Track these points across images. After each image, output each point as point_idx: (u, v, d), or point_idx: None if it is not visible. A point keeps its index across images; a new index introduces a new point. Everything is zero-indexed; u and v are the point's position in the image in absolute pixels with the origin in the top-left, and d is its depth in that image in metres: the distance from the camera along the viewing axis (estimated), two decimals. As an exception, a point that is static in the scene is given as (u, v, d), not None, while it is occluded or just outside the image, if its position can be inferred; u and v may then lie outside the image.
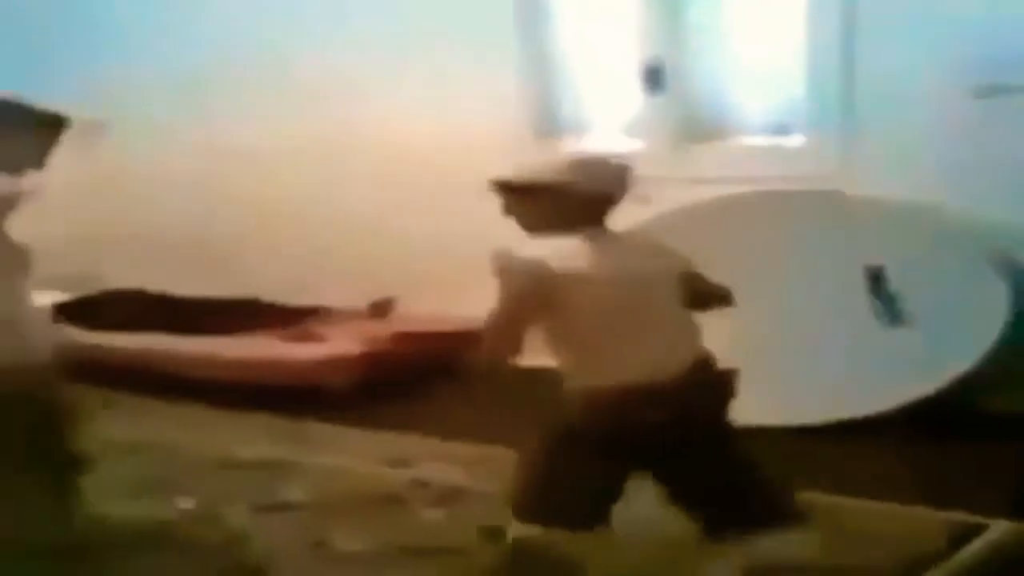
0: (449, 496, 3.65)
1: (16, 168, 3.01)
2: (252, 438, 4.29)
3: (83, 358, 4.98)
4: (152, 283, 5.61)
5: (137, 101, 5.79)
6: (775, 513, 2.72)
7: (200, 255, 5.76)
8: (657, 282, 2.77)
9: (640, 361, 2.64)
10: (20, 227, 5.52)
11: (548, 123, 5.34)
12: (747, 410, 2.73)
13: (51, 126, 3.05)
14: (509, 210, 2.93)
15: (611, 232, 2.81)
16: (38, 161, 3.03)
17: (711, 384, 2.72)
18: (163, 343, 5.06)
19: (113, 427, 4.23)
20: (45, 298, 5.50)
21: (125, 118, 5.98)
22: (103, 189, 5.93)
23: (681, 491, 2.72)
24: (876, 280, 4.38)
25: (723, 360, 2.73)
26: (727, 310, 2.92)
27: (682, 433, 2.65)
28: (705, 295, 2.88)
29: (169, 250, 5.86)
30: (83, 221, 5.75)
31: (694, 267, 2.88)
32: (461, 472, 3.85)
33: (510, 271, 2.70)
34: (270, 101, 5.65)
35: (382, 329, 5.03)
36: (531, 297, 2.66)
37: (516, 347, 2.70)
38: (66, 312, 5.39)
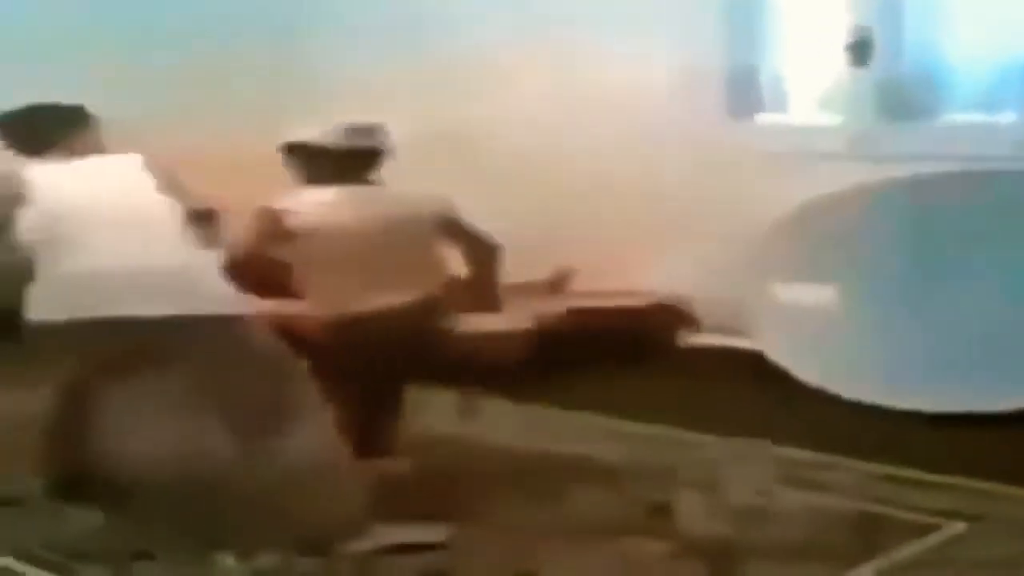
0: (613, 473, 3.63)
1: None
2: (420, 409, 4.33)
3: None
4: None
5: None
6: None
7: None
8: (404, 227, 3.55)
9: (377, 292, 3.38)
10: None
11: (745, 99, 5.26)
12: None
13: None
14: (287, 165, 3.64)
15: (374, 186, 3.62)
16: None
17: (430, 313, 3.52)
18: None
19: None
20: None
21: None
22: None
23: None
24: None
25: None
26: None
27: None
28: (465, 237, 3.68)
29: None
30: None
31: (453, 212, 3.68)
32: (626, 450, 3.83)
33: (254, 215, 3.50)
34: (457, 74, 5.71)
35: (556, 304, 5.01)
36: (265, 235, 3.48)
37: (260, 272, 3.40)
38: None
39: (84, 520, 3.20)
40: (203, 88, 5.76)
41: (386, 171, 4.05)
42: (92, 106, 3.70)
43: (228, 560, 2.92)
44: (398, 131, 5.62)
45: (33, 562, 3.01)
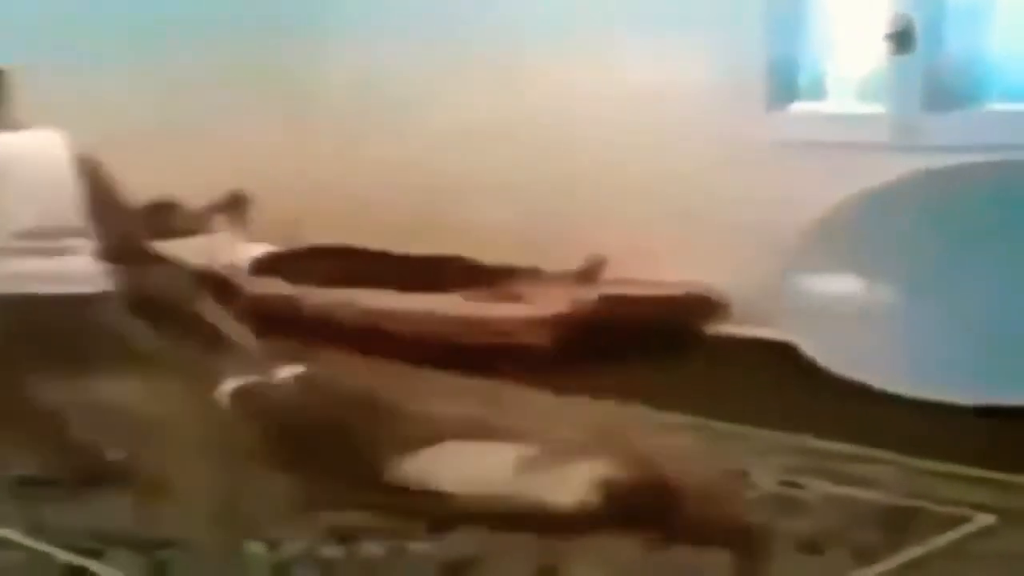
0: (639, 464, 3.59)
1: None
2: (450, 397, 4.35)
3: (288, 311, 5.21)
4: (359, 239, 5.72)
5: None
6: None
7: (412, 214, 5.88)
8: None
9: None
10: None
11: (784, 88, 5.25)
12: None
13: None
14: None
15: None
16: None
17: None
18: (364, 298, 5.11)
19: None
20: (254, 250, 5.74)
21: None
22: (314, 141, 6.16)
23: None
24: None
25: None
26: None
27: None
28: None
29: (378, 206, 5.99)
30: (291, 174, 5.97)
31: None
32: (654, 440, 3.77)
33: None
34: (497, 68, 5.75)
35: (588, 292, 5.03)
36: None
37: None
38: (274, 265, 5.60)
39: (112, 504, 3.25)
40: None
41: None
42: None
43: (256, 548, 2.96)
44: (440, 122, 5.80)
45: (62, 545, 3.01)
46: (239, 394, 3.58)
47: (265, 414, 3.48)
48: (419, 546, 2.98)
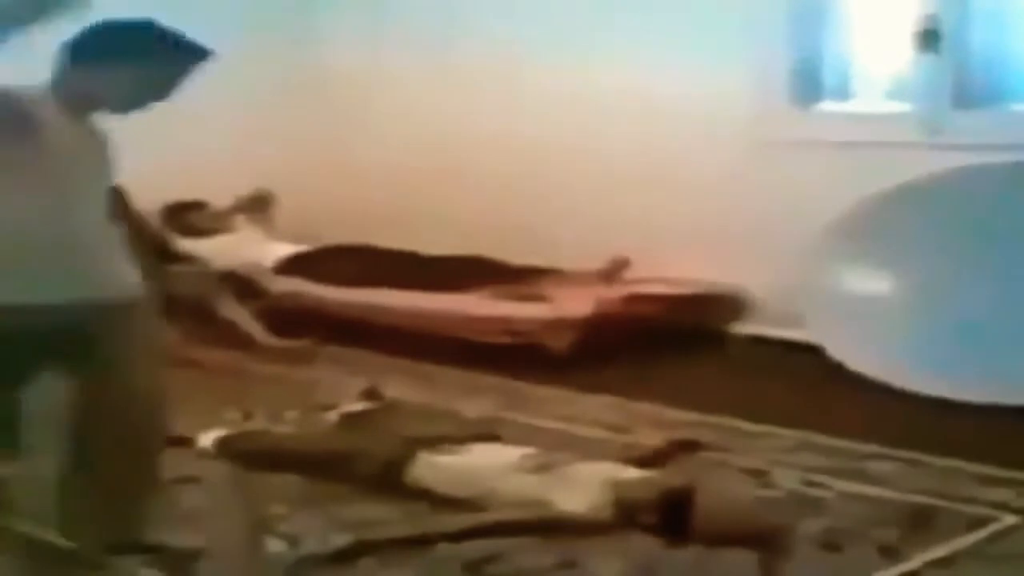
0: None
1: (137, 102, 2.95)
2: (473, 396, 4.41)
3: (310, 310, 5.25)
4: (383, 239, 5.76)
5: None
6: None
7: (437, 215, 5.91)
8: None
9: None
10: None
11: (811, 87, 5.26)
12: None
13: (186, 55, 2.96)
14: None
15: None
16: (162, 93, 2.95)
17: None
18: (386, 298, 5.15)
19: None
20: (279, 249, 5.78)
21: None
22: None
23: None
24: None
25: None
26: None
27: None
28: None
29: (402, 207, 6.03)
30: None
31: None
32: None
33: None
34: (512, 62, 5.78)
35: (613, 291, 5.05)
36: None
37: None
38: (297, 264, 5.64)
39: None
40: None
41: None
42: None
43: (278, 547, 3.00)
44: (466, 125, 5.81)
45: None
46: (223, 443, 3.65)
47: (251, 458, 3.53)
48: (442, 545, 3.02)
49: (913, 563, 2.93)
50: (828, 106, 5.26)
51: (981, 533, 3.11)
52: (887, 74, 5.23)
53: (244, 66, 6.06)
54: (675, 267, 5.18)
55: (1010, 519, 3.19)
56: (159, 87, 2.92)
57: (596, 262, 5.28)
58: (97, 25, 2.87)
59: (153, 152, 5.56)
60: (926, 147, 4.85)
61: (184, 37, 2.94)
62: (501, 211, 5.70)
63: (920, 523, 3.18)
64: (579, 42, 5.61)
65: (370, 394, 4.08)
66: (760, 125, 5.12)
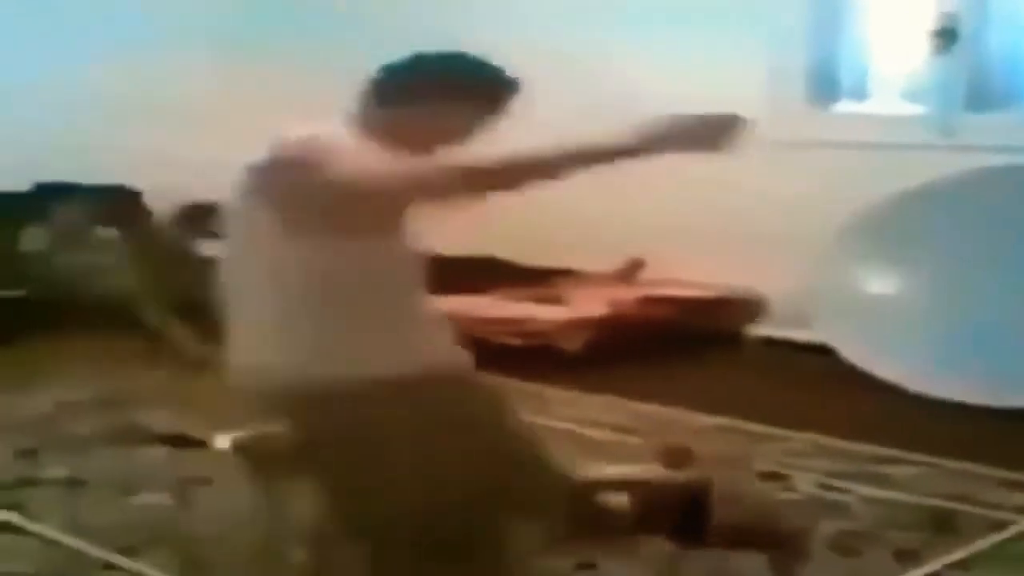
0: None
1: (445, 141, 2.63)
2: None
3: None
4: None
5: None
6: None
7: (457, 216, 5.92)
8: None
9: None
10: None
11: (825, 89, 5.29)
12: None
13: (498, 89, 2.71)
14: None
15: None
16: (470, 131, 2.67)
17: None
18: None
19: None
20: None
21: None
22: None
23: None
24: None
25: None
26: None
27: None
28: None
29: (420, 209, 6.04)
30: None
31: None
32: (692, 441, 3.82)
33: None
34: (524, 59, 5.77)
35: (627, 293, 5.08)
36: None
37: None
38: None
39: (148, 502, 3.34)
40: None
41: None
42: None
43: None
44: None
45: (100, 542, 3.07)
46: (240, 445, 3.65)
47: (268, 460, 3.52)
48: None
49: (930, 567, 2.94)
50: (844, 107, 5.28)
51: (1000, 537, 3.12)
52: (903, 74, 5.25)
53: (264, 67, 6.13)
54: (690, 269, 5.19)
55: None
56: (468, 125, 2.67)
57: (611, 264, 5.30)
58: (406, 60, 2.66)
59: (169, 154, 5.64)
60: (941, 149, 4.86)
61: (497, 69, 2.72)
62: (515, 212, 5.70)
63: (938, 527, 3.19)
64: (594, 41, 5.62)
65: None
66: (775, 125, 5.11)
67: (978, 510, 3.30)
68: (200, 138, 5.63)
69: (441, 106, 2.64)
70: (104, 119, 5.53)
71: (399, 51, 2.66)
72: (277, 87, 5.94)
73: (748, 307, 5.16)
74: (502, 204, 5.91)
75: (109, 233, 5.49)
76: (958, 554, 3.01)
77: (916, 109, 5.16)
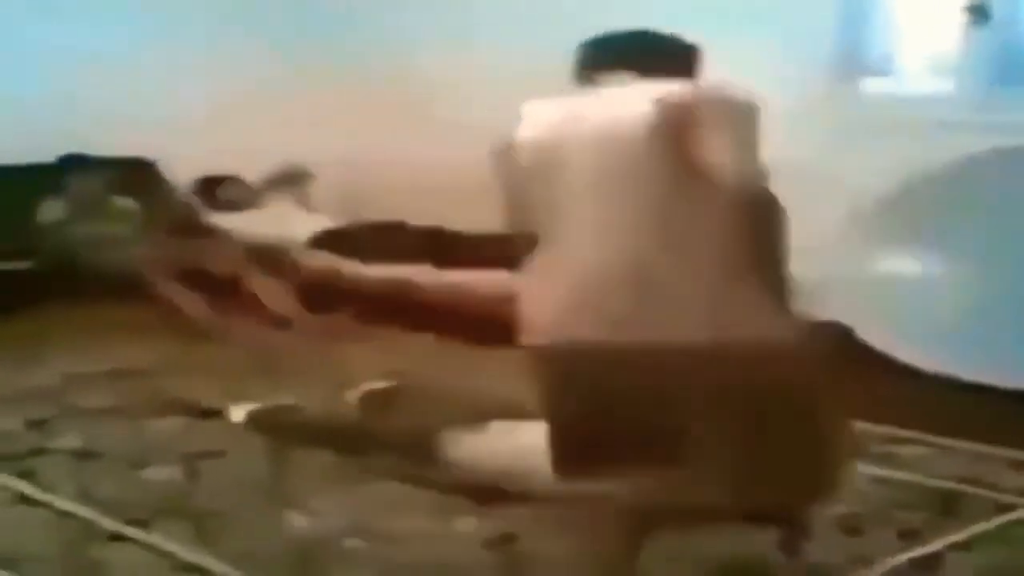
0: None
1: None
2: (504, 373, 4.44)
3: (343, 286, 5.32)
4: (418, 215, 5.83)
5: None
6: None
7: (472, 190, 5.96)
8: None
9: None
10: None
11: (853, 65, 5.28)
12: None
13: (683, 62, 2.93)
14: None
15: None
16: None
17: None
18: (419, 274, 5.22)
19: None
20: (312, 224, 5.86)
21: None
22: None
23: None
24: None
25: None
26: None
27: None
28: None
29: (438, 182, 6.09)
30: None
31: None
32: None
33: None
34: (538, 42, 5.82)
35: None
36: None
37: None
38: (330, 240, 5.74)
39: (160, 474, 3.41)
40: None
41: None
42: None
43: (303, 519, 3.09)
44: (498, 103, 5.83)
45: (110, 514, 3.12)
46: (254, 416, 3.71)
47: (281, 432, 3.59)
48: (463, 521, 3.10)
49: (934, 546, 2.96)
50: (872, 84, 5.27)
51: (1006, 518, 3.14)
52: (933, 52, 5.24)
53: (286, 45, 6.19)
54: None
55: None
56: None
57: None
58: (596, 39, 2.87)
59: (190, 126, 5.70)
60: (970, 126, 4.85)
61: (683, 42, 2.94)
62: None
63: (944, 508, 3.21)
64: (615, 17, 5.62)
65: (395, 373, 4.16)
66: (803, 102, 5.13)
67: (988, 492, 3.32)
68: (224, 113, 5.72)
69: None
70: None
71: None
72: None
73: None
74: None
75: (126, 203, 5.57)
76: (961, 535, 3.03)
77: (945, 86, 5.14)
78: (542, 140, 2.78)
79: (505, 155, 2.85)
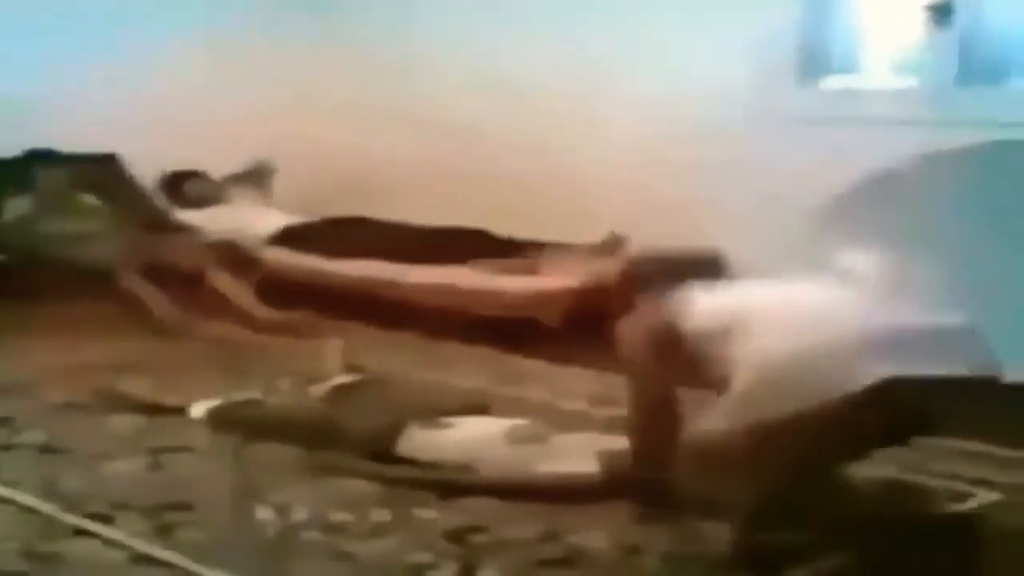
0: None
1: None
2: (465, 368, 4.53)
3: (304, 282, 5.36)
4: (381, 211, 5.87)
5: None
6: None
7: (438, 186, 6.02)
8: None
9: None
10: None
11: (815, 62, 5.34)
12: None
13: None
14: None
15: None
16: None
17: None
18: (381, 270, 5.28)
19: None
20: (276, 220, 5.90)
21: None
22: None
23: None
24: None
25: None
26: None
27: None
28: None
29: (404, 179, 6.13)
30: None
31: None
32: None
33: None
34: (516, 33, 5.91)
35: (607, 266, 5.13)
36: None
37: None
38: (292, 236, 5.78)
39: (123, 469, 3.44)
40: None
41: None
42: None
43: (266, 512, 3.14)
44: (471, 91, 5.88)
45: (73, 509, 3.14)
46: (215, 413, 3.78)
47: (243, 427, 3.66)
48: (425, 512, 3.13)
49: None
50: (834, 81, 5.33)
51: (959, 509, 3.24)
52: (895, 48, 5.29)
53: (249, 37, 6.22)
54: (677, 242, 5.22)
55: (991, 496, 3.32)
56: None
57: (593, 237, 5.37)
58: None
59: (153, 121, 5.74)
60: (932, 124, 4.90)
61: None
62: (499, 185, 5.79)
63: (900, 499, 3.31)
64: (580, 16, 5.69)
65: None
66: (764, 100, 5.17)
67: (942, 482, 3.42)
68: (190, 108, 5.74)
69: None
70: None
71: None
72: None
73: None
74: (488, 177, 6.02)
75: (92, 200, 5.59)
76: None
77: (908, 83, 5.20)
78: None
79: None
